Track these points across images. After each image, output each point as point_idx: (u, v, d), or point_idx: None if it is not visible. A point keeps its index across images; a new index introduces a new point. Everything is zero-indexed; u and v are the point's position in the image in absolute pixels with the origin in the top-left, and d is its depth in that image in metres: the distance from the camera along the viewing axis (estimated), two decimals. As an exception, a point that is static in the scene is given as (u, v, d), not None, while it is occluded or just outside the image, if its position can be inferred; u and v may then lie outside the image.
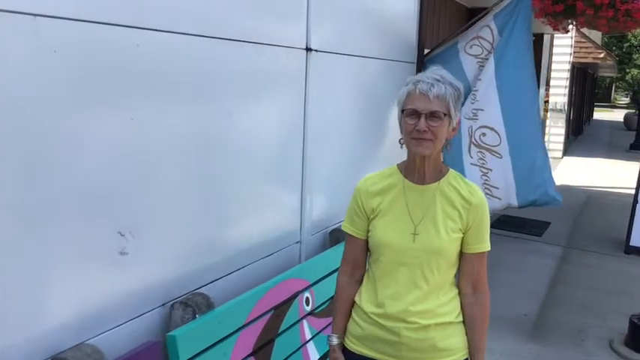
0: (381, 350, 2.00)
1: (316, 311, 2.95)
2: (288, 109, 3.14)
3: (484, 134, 4.46)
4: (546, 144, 14.19)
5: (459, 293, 2.06)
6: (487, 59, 4.52)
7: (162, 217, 2.31)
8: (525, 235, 7.42)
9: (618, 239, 7.19)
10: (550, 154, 15.20)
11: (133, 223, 2.15)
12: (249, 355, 2.46)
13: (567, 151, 16.71)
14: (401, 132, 1.95)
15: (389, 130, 4.04)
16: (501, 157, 4.41)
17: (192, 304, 2.29)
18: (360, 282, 2.10)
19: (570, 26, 4.78)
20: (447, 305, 2.00)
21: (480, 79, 4.50)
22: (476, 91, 4.50)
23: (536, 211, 8.28)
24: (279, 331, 2.67)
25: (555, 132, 15.54)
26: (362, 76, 3.83)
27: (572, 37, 14.68)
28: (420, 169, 1.97)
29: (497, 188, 4.45)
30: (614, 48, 41.40)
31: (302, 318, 2.84)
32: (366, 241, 2.06)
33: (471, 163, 4.48)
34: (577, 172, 13.33)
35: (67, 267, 1.91)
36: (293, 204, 3.26)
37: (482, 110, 4.44)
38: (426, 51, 5.00)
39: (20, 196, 1.76)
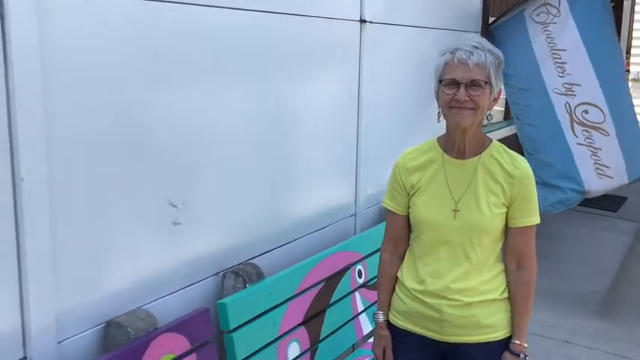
0: (425, 326, 1.98)
1: (369, 284, 2.96)
2: (343, 82, 3.12)
3: (586, 111, 4.22)
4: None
5: (505, 269, 2.00)
6: (553, 24, 4.31)
7: (215, 190, 2.36)
8: (599, 210, 7.11)
9: (700, 214, 6.81)
10: (631, 126, 14.34)
11: (186, 195, 2.21)
12: (299, 325, 2.50)
13: (650, 122, 15.82)
14: (438, 104, 1.91)
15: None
16: (608, 135, 4.18)
17: (242, 274, 2.35)
18: (403, 258, 2.09)
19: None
20: (490, 282, 1.95)
21: (564, 50, 4.24)
22: (563, 63, 4.26)
23: (612, 186, 7.96)
24: (331, 302, 2.70)
25: (637, 103, 14.73)
26: (419, 48, 3.75)
27: (657, 2, 13.82)
28: (459, 142, 1.92)
29: (608, 167, 4.24)
30: None
31: (354, 290, 2.86)
32: (408, 217, 2.04)
33: (578, 143, 4.25)
34: (660, 144, 12.62)
35: (121, 235, 2.00)
36: (348, 177, 3.26)
37: (579, 86, 4.20)
38: (491, 19, 4.84)
39: (78, 165, 1.84)
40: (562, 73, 4.27)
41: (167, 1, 2.07)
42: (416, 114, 3.79)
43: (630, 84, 13.04)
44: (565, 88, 4.25)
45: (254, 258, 2.56)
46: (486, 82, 1.81)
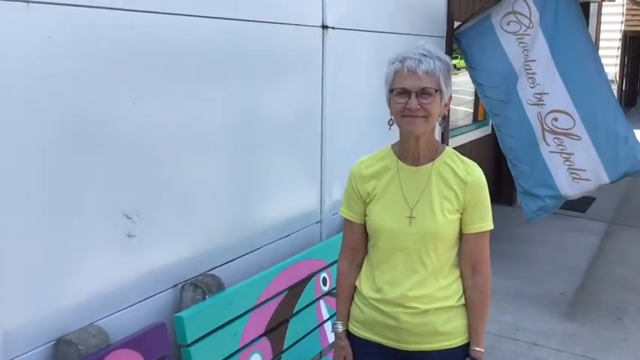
0: (384, 334, 1.97)
1: (334, 291, 2.92)
2: (307, 88, 3.10)
3: (556, 119, 4.29)
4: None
5: (461, 275, 1.99)
6: (527, 35, 4.35)
7: (174, 200, 2.32)
8: (568, 211, 7.20)
9: (667, 214, 6.92)
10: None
11: (142, 206, 2.17)
12: (261, 336, 2.46)
13: (619, 123, 16.07)
14: (390, 112, 1.90)
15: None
16: (580, 139, 4.23)
17: (202, 285, 2.31)
18: (361, 267, 2.07)
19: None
20: (447, 289, 1.94)
21: (534, 60, 4.30)
22: (533, 74, 4.32)
23: (581, 187, 8.06)
24: (294, 311, 2.67)
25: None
26: (385, 54, 3.73)
27: (623, 5, 14.10)
28: (413, 149, 1.92)
29: (583, 170, 4.29)
30: (672, 14, 39.45)
31: (318, 298, 2.84)
32: (365, 226, 2.02)
33: (550, 151, 4.34)
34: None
35: (72, 249, 1.94)
36: (313, 183, 3.24)
37: (547, 94, 4.27)
38: (457, 24, 4.86)
39: (26, 176, 1.78)
40: (533, 83, 4.33)
41: (125, 9, 2.04)
42: (382, 120, 3.76)
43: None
44: (536, 98, 4.31)
45: (215, 268, 2.52)
46: (436, 90, 1.80)
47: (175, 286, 2.35)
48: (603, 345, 3.95)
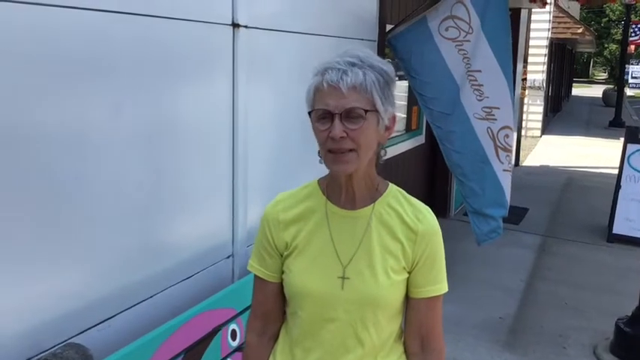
0: None
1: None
2: (211, 98, 2.58)
3: (507, 136, 4.03)
4: (524, 122, 13.81)
5: (405, 352, 1.53)
6: (467, 42, 3.98)
7: (21, 239, 1.75)
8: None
9: (601, 226, 6.77)
10: (528, 133, 14.87)
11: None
12: (148, 418, 1.93)
13: (546, 129, 16.35)
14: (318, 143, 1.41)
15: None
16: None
17: (63, 360, 1.75)
18: (276, 339, 1.58)
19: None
20: (389, 370, 1.46)
21: (479, 71, 3.95)
22: (479, 85, 3.96)
23: (514, 197, 7.84)
24: (194, 378, 2.15)
25: (534, 110, 15.16)
26: (308, 58, 3.27)
27: (550, 12, 14.23)
28: (346, 188, 1.44)
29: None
30: (592, 23, 41.25)
31: (226, 357, 2.32)
32: (281, 286, 1.53)
33: (504, 170, 4.07)
34: (556, 151, 12.95)
35: None
36: (222, 209, 2.72)
37: (499, 109, 3.98)
38: (389, 27, 4.45)
39: None
40: (480, 96, 3.98)
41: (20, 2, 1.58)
42: (308, 134, 3.29)
43: (527, 91, 13.34)
44: (485, 112, 3.98)
45: (81, 333, 1.94)
46: (367, 111, 1.33)
47: (28, 361, 1.78)
48: (548, 380, 3.63)
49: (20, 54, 1.70)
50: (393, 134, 6.62)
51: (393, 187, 1.50)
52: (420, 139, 6.50)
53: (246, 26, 2.71)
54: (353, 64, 1.32)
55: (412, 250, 1.43)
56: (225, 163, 2.71)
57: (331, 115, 1.32)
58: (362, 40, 3.95)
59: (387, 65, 1.38)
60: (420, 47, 4.09)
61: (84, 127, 1.93)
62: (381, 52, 4.24)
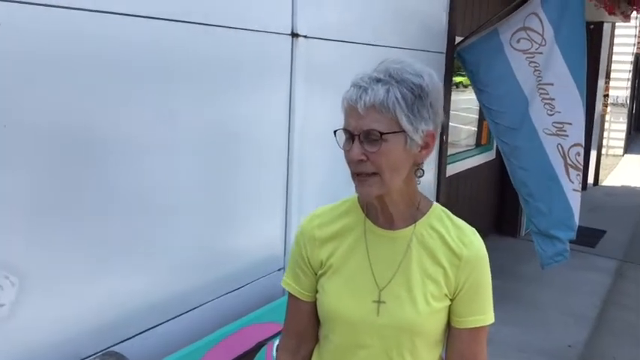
0: None
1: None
2: (268, 107, 2.56)
3: (579, 154, 3.82)
4: (606, 140, 13.21)
5: (446, 383, 1.43)
6: (539, 54, 3.81)
7: (64, 253, 1.76)
8: (576, 245, 6.59)
9: (684, 252, 6.33)
10: (610, 152, 14.19)
11: (14, 266, 1.62)
12: None
13: (629, 148, 15.57)
14: None
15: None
16: None
17: (103, 367, 1.76)
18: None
19: (634, 13, 4.05)
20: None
21: (551, 84, 3.77)
22: (551, 99, 3.78)
23: (591, 218, 7.48)
24: (237, 391, 2.11)
25: (616, 128, 14.50)
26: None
27: (636, 27, 13.60)
28: (381, 208, 1.36)
29: None
30: (683, 37, 39.12)
31: (271, 371, 2.28)
32: (316, 305, 1.46)
33: (574, 189, 3.87)
34: (639, 171, 12.29)
35: None
36: (275, 223, 2.69)
37: (571, 125, 3.78)
38: (458, 39, 4.33)
39: None
40: (551, 110, 3.78)
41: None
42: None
43: (609, 108, 12.77)
44: (556, 127, 3.77)
45: (123, 342, 1.94)
46: (384, 133, 1.22)
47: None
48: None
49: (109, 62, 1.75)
50: (461, 149, 6.40)
51: (437, 207, 1.40)
52: (490, 155, 6.29)
53: (305, 36, 2.68)
54: (378, 80, 1.22)
55: (455, 276, 1.33)
56: (280, 174, 2.68)
57: (352, 136, 1.25)
58: (429, 51, 3.86)
59: (423, 78, 1.25)
60: (490, 59, 3.95)
61: (145, 136, 1.96)
62: (449, 65, 4.13)
